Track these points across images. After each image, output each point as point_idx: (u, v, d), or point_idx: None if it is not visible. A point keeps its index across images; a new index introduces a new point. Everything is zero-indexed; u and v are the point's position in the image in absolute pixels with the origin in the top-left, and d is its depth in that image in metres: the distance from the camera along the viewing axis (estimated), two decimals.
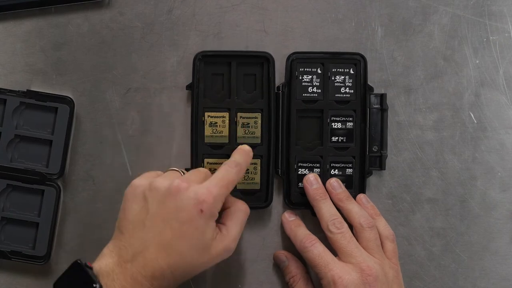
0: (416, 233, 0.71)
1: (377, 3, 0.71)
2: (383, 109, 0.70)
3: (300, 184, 0.70)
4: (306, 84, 0.70)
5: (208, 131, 0.70)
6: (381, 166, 0.70)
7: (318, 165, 0.70)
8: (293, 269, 0.69)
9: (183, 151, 0.71)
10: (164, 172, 0.64)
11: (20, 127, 0.70)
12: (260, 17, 0.71)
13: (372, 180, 0.71)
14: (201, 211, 0.58)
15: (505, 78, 0.71)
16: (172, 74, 0.71)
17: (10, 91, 0.69)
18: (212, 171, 0.67)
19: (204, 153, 0.69)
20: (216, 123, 0.70)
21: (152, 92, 0.71)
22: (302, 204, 0.70)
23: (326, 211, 0.67)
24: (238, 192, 0.70)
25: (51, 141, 0.69)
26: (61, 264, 0.71)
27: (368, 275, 0.63)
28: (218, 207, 0.60)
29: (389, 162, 0.71)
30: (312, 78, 0.70)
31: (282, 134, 0.70)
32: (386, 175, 0.71)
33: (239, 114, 0.70)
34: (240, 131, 0.70)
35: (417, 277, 0.71)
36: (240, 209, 0.64)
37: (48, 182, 0.69)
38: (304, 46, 0.71)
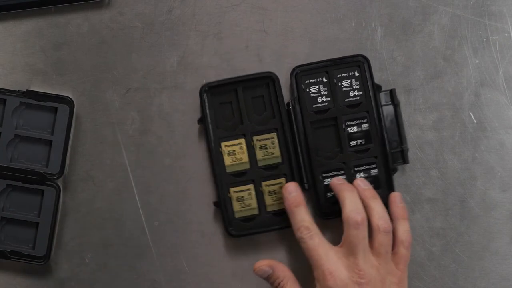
0: (416, 233, 0.71)
1: (377, 3, 0.71)
2: (395, 104, 0.70)
3: (328, 194, 0.69)
4: (314, 95, 0.69)
5: (228, 160, 0.69)
6: (404, 160, 0.70)
7: (342, 172, 0.69)
8: (280, 274, 0.67)
9: (183, 150, 0.71)
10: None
11: (20, 127, 0.69)
12: (260, 17, 0.71)
13: None
14: None
15: (505, 78, 0.71)
16: (172, 74, 0.71)
17: (10, 91, 0.69)
18: (240, 199, 0.69)
19: (228, 182, 0.69)
20: (234, 151, 0.69)
21: (152, 92, 0.71)
22: (334, 213, 0.69)
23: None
24: (270, 215, 0.69)
25: (51, 141, 0.69)
26: (61, 264, 0.71)
27: (361, 277, 0.64)
28: None
29: None
30: (319, 88, 0.69)
31: (301, 149, 0.69)
32: None
33: (255, 138, 0.69)
34: (259, 154, 0.69)
35: (417, 277, 0.71)
36: None
37: (48, 182, 0.69)
38: (304, 46, 0.71)
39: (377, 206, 0.67)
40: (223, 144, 0.69)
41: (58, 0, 0.70)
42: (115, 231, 0.71)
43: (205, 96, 0.69)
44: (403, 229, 0.68)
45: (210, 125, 0.69)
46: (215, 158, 0.69)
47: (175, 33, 0.71)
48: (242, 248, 0.71)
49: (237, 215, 0.69)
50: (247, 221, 0.69)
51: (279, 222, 0.69)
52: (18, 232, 0.69)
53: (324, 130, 0.70)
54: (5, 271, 0.71)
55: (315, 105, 0.69)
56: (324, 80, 0.69)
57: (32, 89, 0.70)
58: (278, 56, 0.71)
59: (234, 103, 0.70)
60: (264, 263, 0.68)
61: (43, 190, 0.69)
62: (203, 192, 0.71)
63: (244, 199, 0.69)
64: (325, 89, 0.69)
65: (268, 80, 0.69)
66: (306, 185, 0.69)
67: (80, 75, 0.71)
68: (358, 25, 0.71)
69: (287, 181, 0.69)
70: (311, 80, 0.69)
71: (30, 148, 0.70)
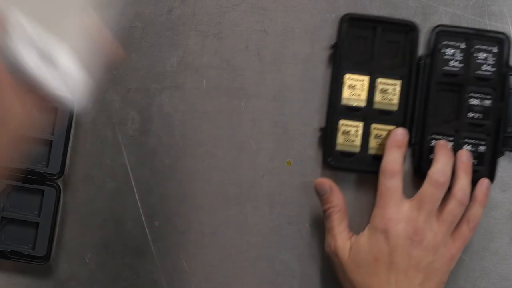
0: None
1: (377, 3, 0.71)
2: None
3: (430, 156, 0.69)
4: (448, 57, 0.69)
5: (346, 93, 0.70)
6: None
7: (451, 138, 0.69)
8: (335, 199, 0.68)
9: (183, 150, 0.71)
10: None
11: None
12: (260, 17, 0.71)
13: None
14: None
15: None
16: (172, 74, 0.71)
17: None
18: (346, 132, 0.69)
19: (339, 113, 0.70)
20: (355, 85, 0.69)
21: (152, 92, 0.71)
22: None
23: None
24: (369, 157, 0.69)
25: (51, 141, 0.69)
26: (61, 264, 0.71)
27: (416, 234, 0.64)
28: None
29: None
30: (455, 52, 0.69)
31: (419, 105, 0.69)
32: None
33: (379, 79, 0.70)
34: (378, 96, 0.69)
35: None
36: None
37: (48, 182, 0.69)
38: (304, 46, 0.71)
39: (464, 179, 0.67)
40: (347, 75, 0.70)
41: None
42: (115, 231, 0.71)
43: (343, 25, 0.70)
44: (475, 212, 0.67)
45: (340, 54, 0.69)
46: (335, 86, 0.69)
47: (175, 33, 0.71)
48: (241, 247, 0.71)
49: (338, 147, 0.69)
50: (346, 156, 0.70)
51: (376, 165, 0.68)
52: (18, 232, 0.69)
53: (446, 93, 0.69)
54: (5, 271, 0.71)
55: (446, 67, 0.69)
56: (462, 46, 0.69)
57: None
58: (279, 56, 0.71)
59: (369, 40, 0.70)
60: (326, 182, 0.68)
61: (43, 190, 0.69)
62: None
63: (350, 133, 0.69)
64: (460, 55, 0.69)
65: (409, 28, 0.70)
66: (411, 140, 0.69)
67: None
68: None
69: None
70: (449, 42, 0.69)
71: (30, 147, 0.70)
